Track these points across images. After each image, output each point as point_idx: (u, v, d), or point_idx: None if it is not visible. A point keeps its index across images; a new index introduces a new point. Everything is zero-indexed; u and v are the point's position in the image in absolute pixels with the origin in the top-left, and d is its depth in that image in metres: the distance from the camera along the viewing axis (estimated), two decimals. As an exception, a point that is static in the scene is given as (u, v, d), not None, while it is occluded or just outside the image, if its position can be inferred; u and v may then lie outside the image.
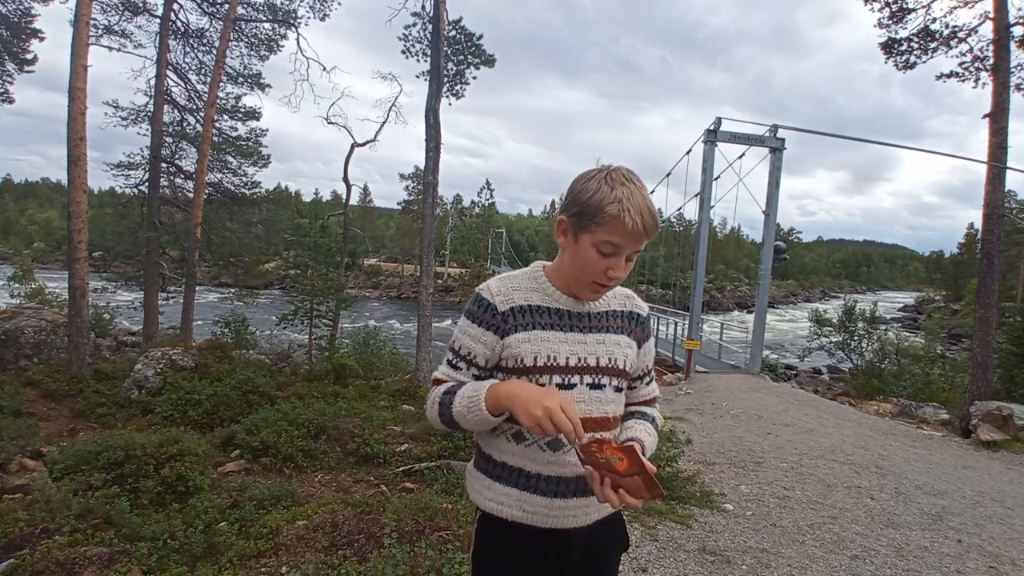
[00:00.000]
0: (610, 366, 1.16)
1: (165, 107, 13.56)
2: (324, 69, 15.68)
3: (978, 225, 11.44)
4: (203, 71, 14.45)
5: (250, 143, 15.30)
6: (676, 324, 14.29)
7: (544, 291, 1.17)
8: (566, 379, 1.12)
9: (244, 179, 15.48)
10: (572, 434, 0.99)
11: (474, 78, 13.56)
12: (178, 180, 14.73)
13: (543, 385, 1.10)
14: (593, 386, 1.14)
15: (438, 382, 1.21)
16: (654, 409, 1.33)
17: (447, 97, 13.01)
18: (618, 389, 1.18)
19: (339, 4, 14.80)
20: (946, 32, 9.86)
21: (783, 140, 11.78)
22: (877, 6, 10.24)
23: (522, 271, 1.22)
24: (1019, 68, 9.33)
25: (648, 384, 1.33)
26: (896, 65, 10.63)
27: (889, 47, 10.50)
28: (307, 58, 16.35)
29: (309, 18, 14.86)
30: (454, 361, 1.19)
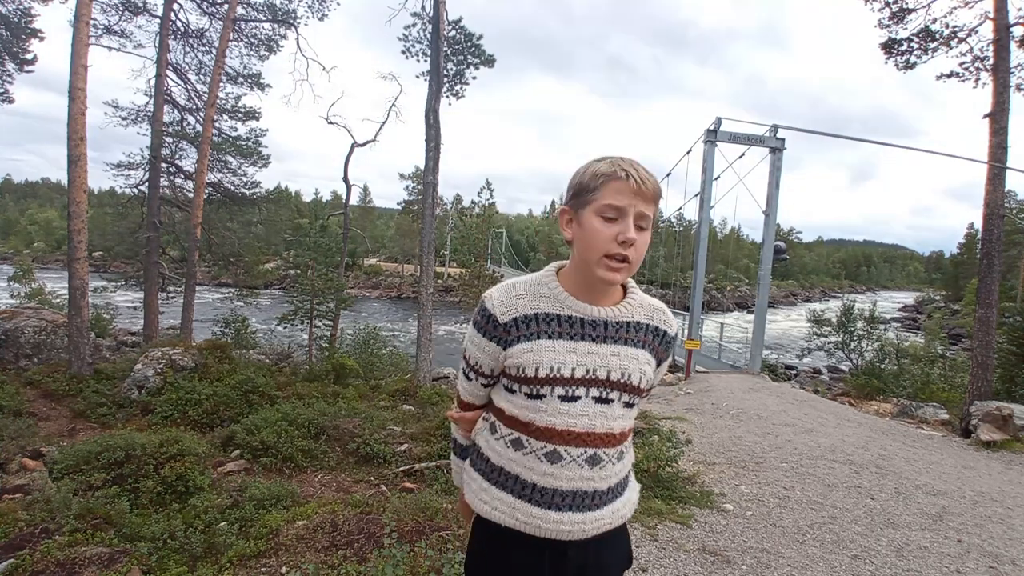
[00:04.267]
0: (622, 381, 1.08)
1: (165, 107, 13.57)
2: (324, 69, 15.72)
3: (978, 225, 11.44)
4: (203, 71, 14.46)
5: (250, 143, 15.29)
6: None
7: (555, 297, 1.10)
8: (569, 391, 1.06)
9: (244, 179, 15.48)
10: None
11: (474, 78, 13.55)
12: (178, 180, 14.73)
13: (544, 396, 1.07)
14: (600, 400, 1.07)
15: (459, 400, 1.27)
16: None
17: (447, 97, 13.02)
18: (628, 405, 1.11)
19: (338, 4, 14.82)
20: (946, 32, 9.86)
21: (783, 140, 11.79)
22: (877, 6, 10.24)
23: (533, 276, 1.15)
24: (1019, 68, 9.33)
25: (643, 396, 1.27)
26: (896, 65, 10.63)
27: (889, 47, 10.50)
28: (307, 58, 16.41)
29: (308, 18, 14.89)
30: (466, 371, 1.20)
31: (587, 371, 1.06)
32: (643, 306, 1.15)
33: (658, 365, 1.17)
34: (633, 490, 1.23)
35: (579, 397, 1.06)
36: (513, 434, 1.11)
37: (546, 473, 1.07)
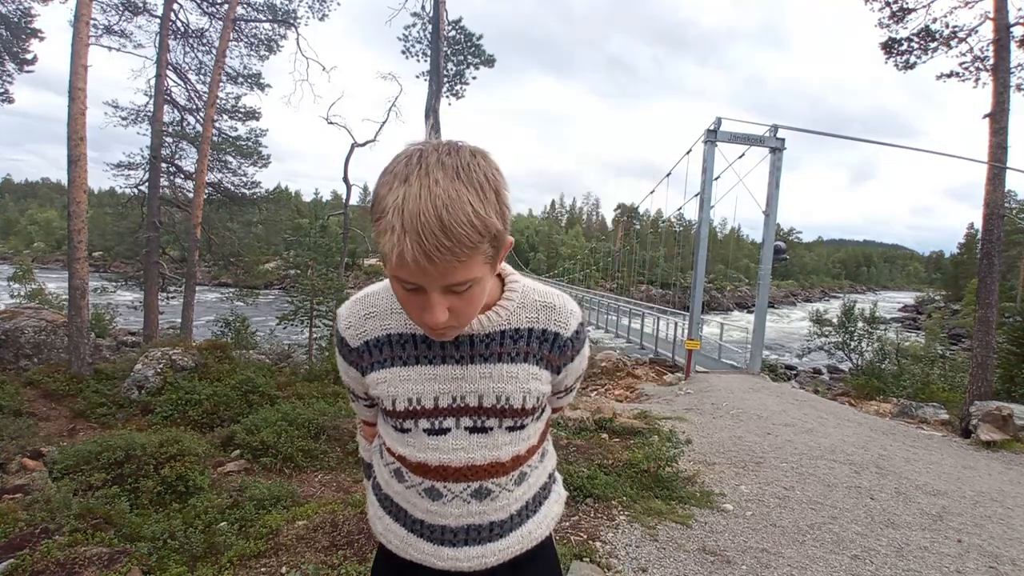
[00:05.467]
0: (498, 407, 0.89)
1: (165, 107, 13.57)
2: (324, 69, 15.74)
3: (978, 225, 11.44)
4: (203, 71, 14.47)
5: (250, 143, 15.31)
6: (676, 324, 14.30)
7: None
8: (435, 423, 0.89)
9: (244, 179, 15.50)
10: None
11: (474, 78, 13.63)
12: (178, 180, 14.74)
13: (409, 430, 0.91)
14: (475, 430, 0.89)
15: (359, 418, 1.15)
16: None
17: (447, 97, 13.05)
18: (515, 428, 0.92)
19: (338, 4, 14.84)
20: (946, 32, 9.88)
21: (783, 140, 11.78)
22: (877, 6, 10.26)
23: (386, 285, 0.90)
24: (1019, 68, 9.35)
25: (561, 397, 1.05)
26: (896, 65, 10.65)
27: (889, 47, 10.51)
28: (307, 58, 16.43)
29: (308, 18, 14.91)
30: (349, 392, 1.06)
31: (453, 399, 0.88)
32: (525, 305, 0.90)
33: (557, 372, 0.95)
34: (554, 502, 1.06)
35: (448, 429, 0.89)
36: (395, 463, 0.97)
37: (429, 510, 0.93)
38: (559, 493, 1.09)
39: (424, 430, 0.90)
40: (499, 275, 0.92)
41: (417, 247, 0.66)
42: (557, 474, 1.10)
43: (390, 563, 1.01)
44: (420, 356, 0.89)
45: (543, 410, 0.99)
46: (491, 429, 0.90)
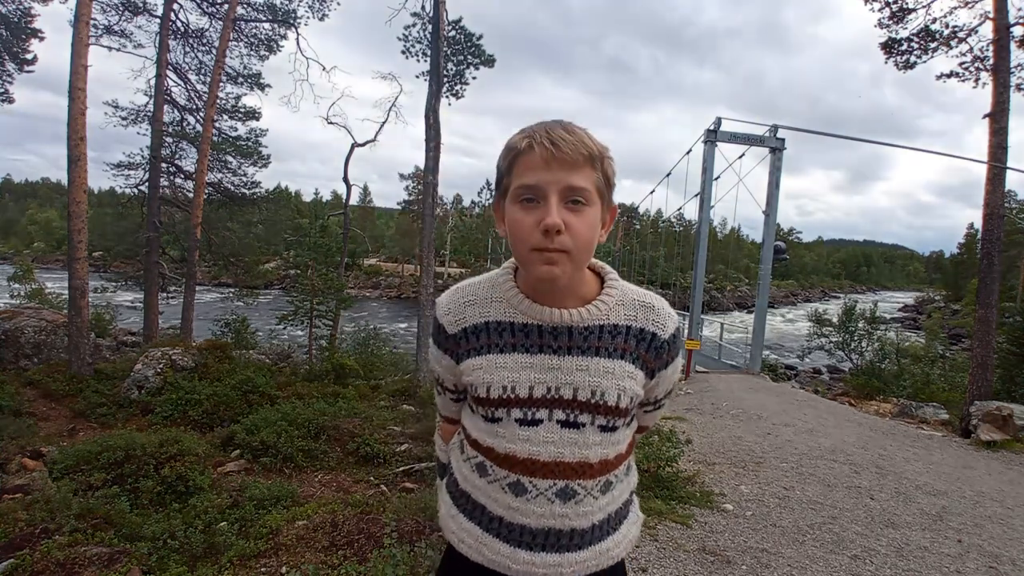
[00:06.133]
0: (593, 401, 0.89)
1: (165, 107, 13.57)
2: (324, 69, 15.72)
3: (978, 225, 11.45)
4: (203, 71, 14.46)
5: (250, 143, 15.30)
6: (676, 324, 14.27)
7: (508, 300, 0.92)
8: (528, 413, 0.89)
9: (244, 179, 15.49)
10: None
11: (474, 78, 13.59)
12: (178, 180, 14.74)
13: (500, 420, 0.91)
14: (566, 424, 0.89)
15: (440, 413, 1.18)
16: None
17: (447, 97, 13.03)
18: (607, 428, 0.91)
19: (338, 4, 14.82)
20: (946, 32, 9.87)
21: (783, 140, 11.80)
22: (877, 6, 10.25)
23: (487, 276, 0.98)
24: (1019, 68, 9.34)
25: (649, 412, 1.05)
26: (896, 65, 10.64)
27: (889, 47, 10.51)
28: (307, 58, 16.40)
29: (308, 18, 14.89)
30: (436, 384, 1.10)
31: (548, 390, 0.89)
32: (624, 303, 0.93)
33: (651, 376, 0.95)
34: (633, 523, 1.04)
35: (541, 421, 0.89)
36: (478, 457, 0.96)
37: (511, 507, 0.91)
38: (637, 515, 1.07)
39: (516, 420, 0.90)
40: (598, 273, 0.97)
41: (545, 138, 0.81)
42: (635, 496, 1.09)
43: (459, 567, 0.98)
44: (517, 344, 0.91)
45: (632, 418, 0.99)
46: (583, 425, 0.90)
